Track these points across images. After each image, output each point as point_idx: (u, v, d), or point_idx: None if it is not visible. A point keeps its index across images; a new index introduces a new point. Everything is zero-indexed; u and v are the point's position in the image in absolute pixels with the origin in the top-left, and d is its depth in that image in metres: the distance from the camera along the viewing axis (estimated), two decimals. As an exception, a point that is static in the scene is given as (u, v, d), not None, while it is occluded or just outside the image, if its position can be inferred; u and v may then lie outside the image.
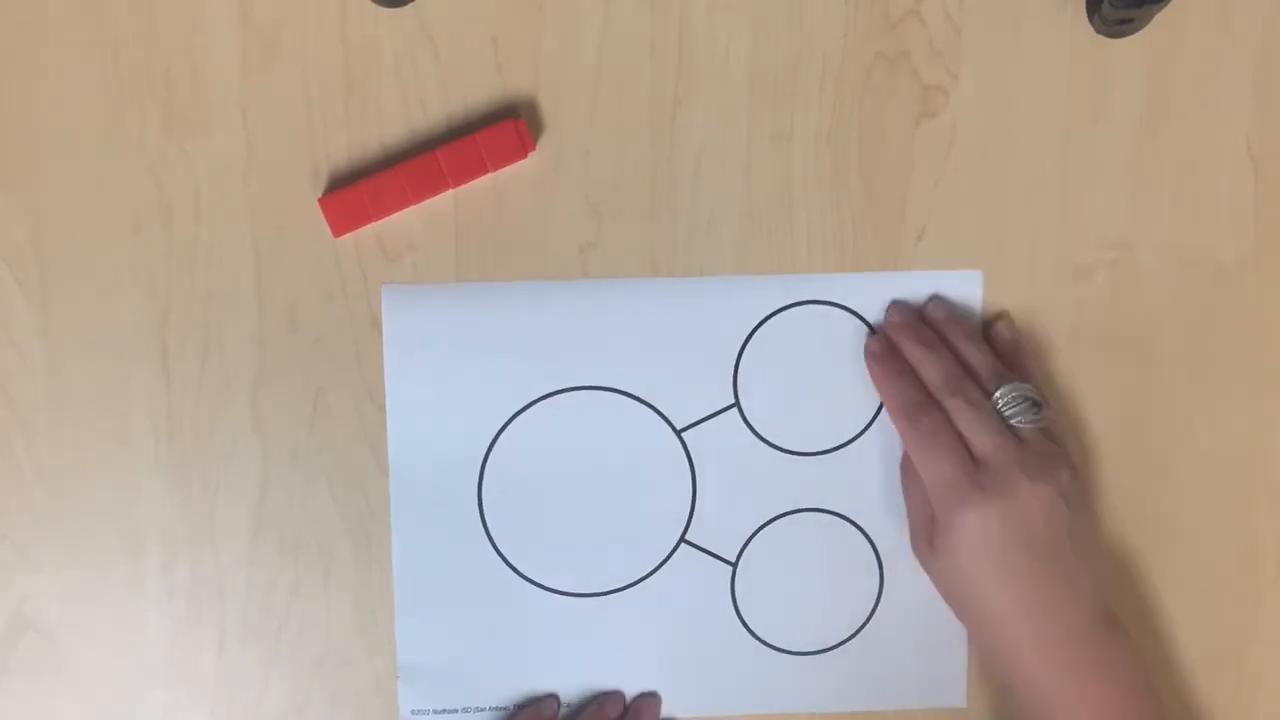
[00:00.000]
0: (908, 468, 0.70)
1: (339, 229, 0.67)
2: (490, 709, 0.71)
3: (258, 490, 0.69)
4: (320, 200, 0.67)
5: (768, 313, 0.70)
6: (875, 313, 0.70)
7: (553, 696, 0.71)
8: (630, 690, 0.71)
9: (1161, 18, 0.68)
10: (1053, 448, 0.66)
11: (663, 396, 0.70)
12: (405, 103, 0.67)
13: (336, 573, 0.70)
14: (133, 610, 0.69)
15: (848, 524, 0.71)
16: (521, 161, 0.67)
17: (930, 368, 0.67)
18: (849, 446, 0.71)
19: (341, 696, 0.71)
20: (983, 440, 0.65)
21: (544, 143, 0.68)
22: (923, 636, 0.72)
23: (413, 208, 0.67)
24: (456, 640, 0.70)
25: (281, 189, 0.67)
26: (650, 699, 0.71)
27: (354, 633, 0.70)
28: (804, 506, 0.71)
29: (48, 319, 0.67)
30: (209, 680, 0.70)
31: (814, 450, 0.71)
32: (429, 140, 0.67)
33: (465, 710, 0.71)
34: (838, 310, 0.70)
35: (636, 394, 0.70)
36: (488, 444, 0.69)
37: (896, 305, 0.70)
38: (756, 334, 0.70)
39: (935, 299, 0.70)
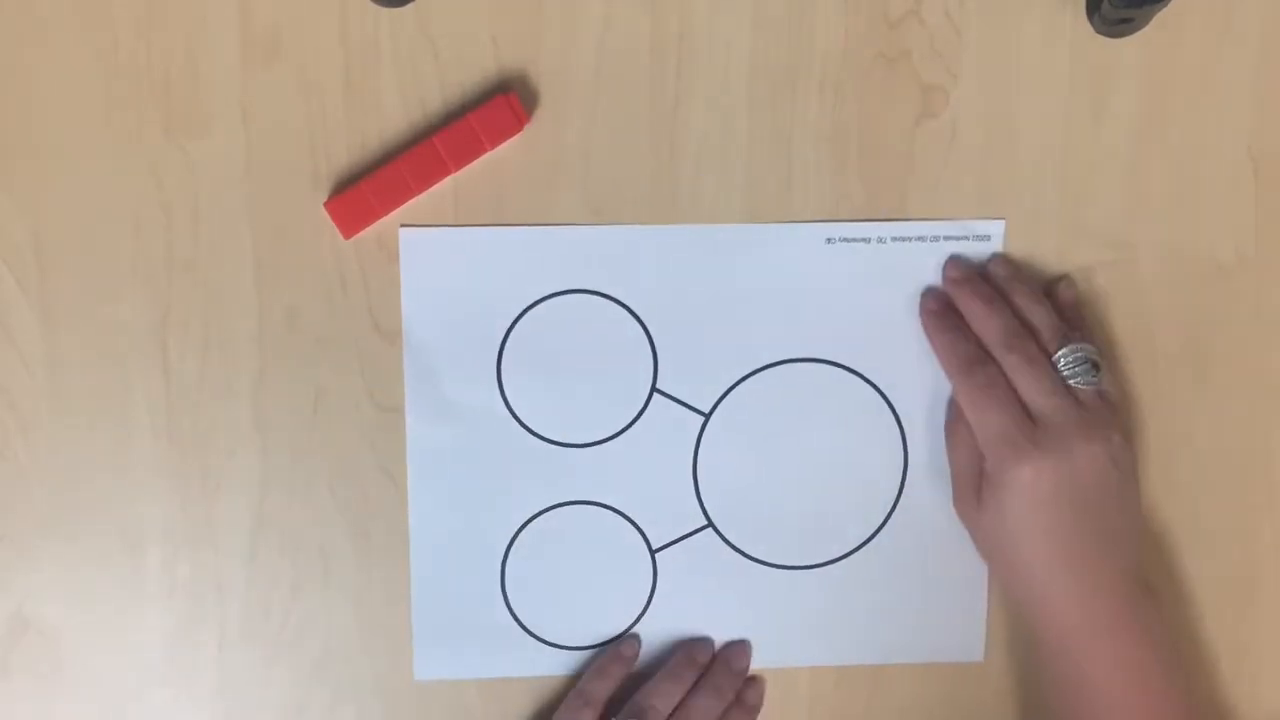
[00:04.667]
0: (953, 427, 0.70)
1: (348, 230, 0.67)
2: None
3: (258, 490, 0.69)
4: (326, 204, 0.66)
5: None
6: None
7: (634, 636, 0.71)
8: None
9: (1161, 18, 0.68)
10: (1107, 410, 0.66)
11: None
12: (405, 102, 0.67)
13: (337, 572, 0.70)
14: (132, 609, 0.69)
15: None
16: (521, 162, 0.67)
17: (988, 323, 0.67)
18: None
19: (342, 695, 0.71)
20: (1040, 398, 0.65)
21: (543, 143, 0.68)
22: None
23: (412, 210, 0.67)
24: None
25: (281, 189, 0.67)
26: (740, 645, 0.71)
27: (354, 631, 0.71)
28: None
29: (48, 319, 0.67)
30: (209, 680, 0.70)
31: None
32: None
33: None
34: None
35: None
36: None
37: (955, 261, 0.69)
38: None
39: (997, 256, 0.70)
